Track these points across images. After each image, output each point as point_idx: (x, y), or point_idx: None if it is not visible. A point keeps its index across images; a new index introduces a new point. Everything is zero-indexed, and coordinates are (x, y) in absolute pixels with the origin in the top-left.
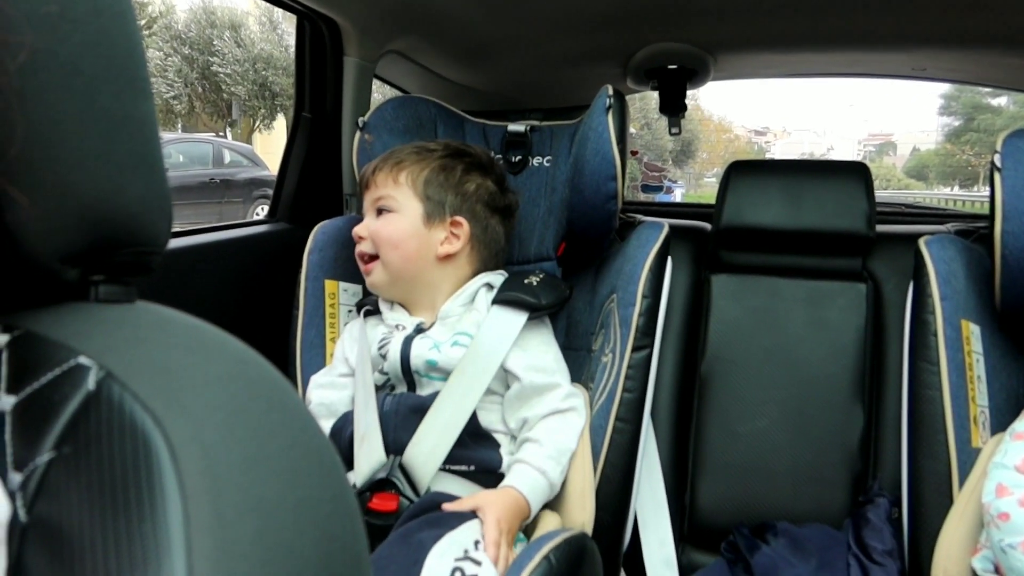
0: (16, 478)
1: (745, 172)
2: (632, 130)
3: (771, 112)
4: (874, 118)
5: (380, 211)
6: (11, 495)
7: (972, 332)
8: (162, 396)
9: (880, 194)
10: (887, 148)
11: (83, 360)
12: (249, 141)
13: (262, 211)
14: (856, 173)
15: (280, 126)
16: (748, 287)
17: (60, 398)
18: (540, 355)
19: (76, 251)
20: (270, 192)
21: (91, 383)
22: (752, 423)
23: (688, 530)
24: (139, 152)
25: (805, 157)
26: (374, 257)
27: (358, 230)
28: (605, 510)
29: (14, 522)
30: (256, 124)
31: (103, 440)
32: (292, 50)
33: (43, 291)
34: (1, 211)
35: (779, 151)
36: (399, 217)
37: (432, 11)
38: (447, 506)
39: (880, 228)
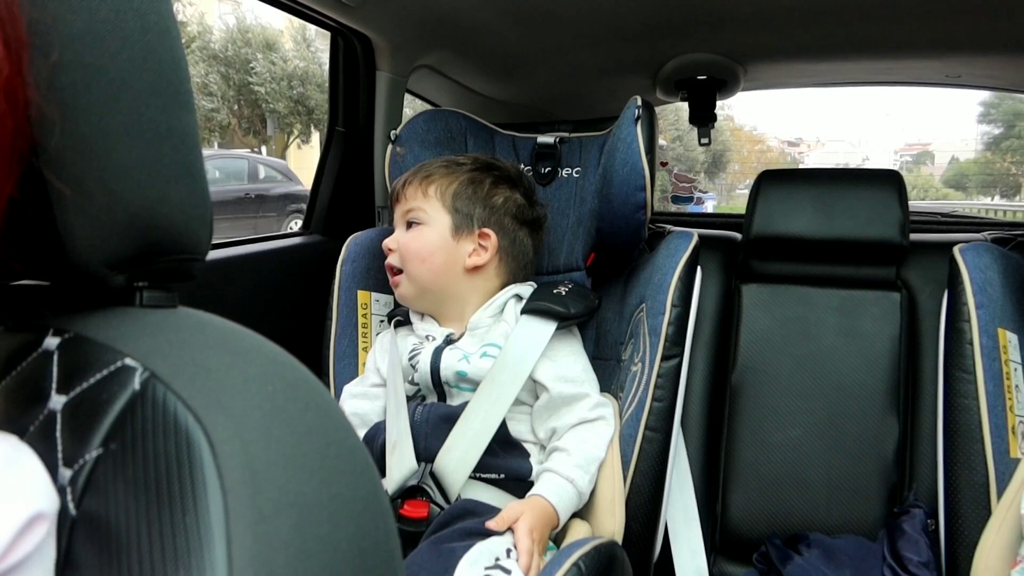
0: (66, 473)
1: (776, 181)
2: (663, 142)
3: (804, 122)
4: (911, 127)
5: (410, 224)
6: (61, 490)
7: (1009, 341)
8: (203, 395)
9: (917, 204)
10: (924, 158)
11: (129, 362)
12: (283, 157)
13: (295, 225)
14: (889, 181)
15: (316, 141)
16: (779, 296)
17: (107, 397)
18: (569, 365)
19: (123, 258)
20: (303, 207)
21: (136, 383)
22: (784, 433)
23: (720, 540)
24: (182, 163)
25: (840, 167)
26: (401, 269)
27: (388, 242)
28: (635, 519)
29: (63, 515)
30: (291, 140)
31: (148, 437)
32: (326, 66)
33: (91, 296)
34: (52, 217)
35: (813, 162)
36: (428, 229)
37: (463, 26)
38: (489, 524)
39: (914, 237)
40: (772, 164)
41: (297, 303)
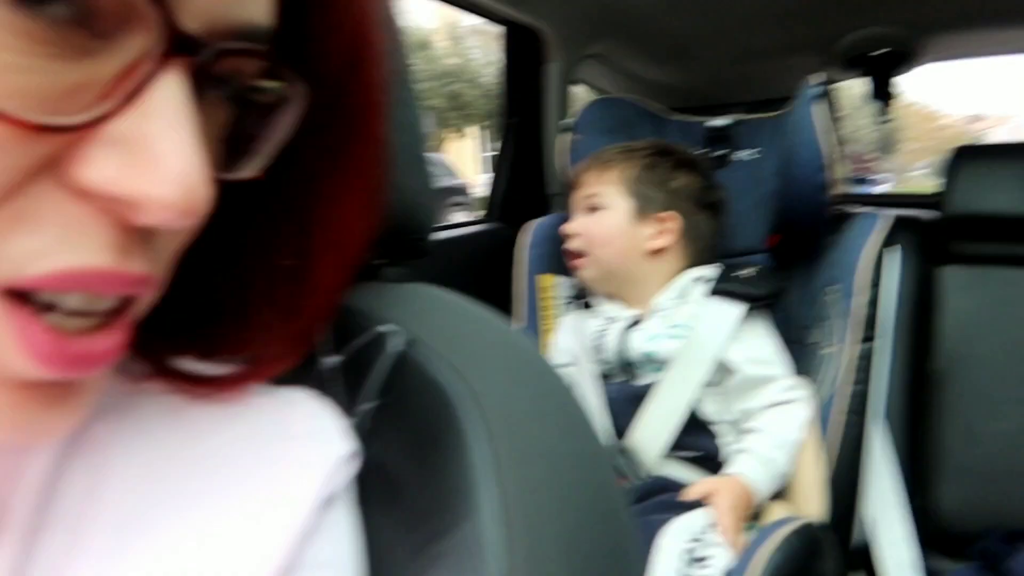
0: (349, 421)
1: (975, 157)
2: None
3: (986, 96)
4: None
5: (591, 209)
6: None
7: None
8: (459, 356)
9: None
10: None
11: (391, 327)
12: (440, 151)
13: (457, 217)
14: None
15: (469, 134)
16: (984, 278)
17: (376, 357)
18: (759, 347)
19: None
20: (462, 200)
21: (400, 344)
22: (997, 423)
23: (927, 534)
24: (414, 153)
25: None
26: (583, 253)
27: (570, 227)
28: (832, 504)
29: (349, 457)
30: (449, 135)
31: (416, 391)
32: (476, 63)
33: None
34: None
35: (998, 139)
36: (609, 214)
37: (631, 14)
38: (685, 493)
39: None
40: (951, 142)
41: (479, 286)
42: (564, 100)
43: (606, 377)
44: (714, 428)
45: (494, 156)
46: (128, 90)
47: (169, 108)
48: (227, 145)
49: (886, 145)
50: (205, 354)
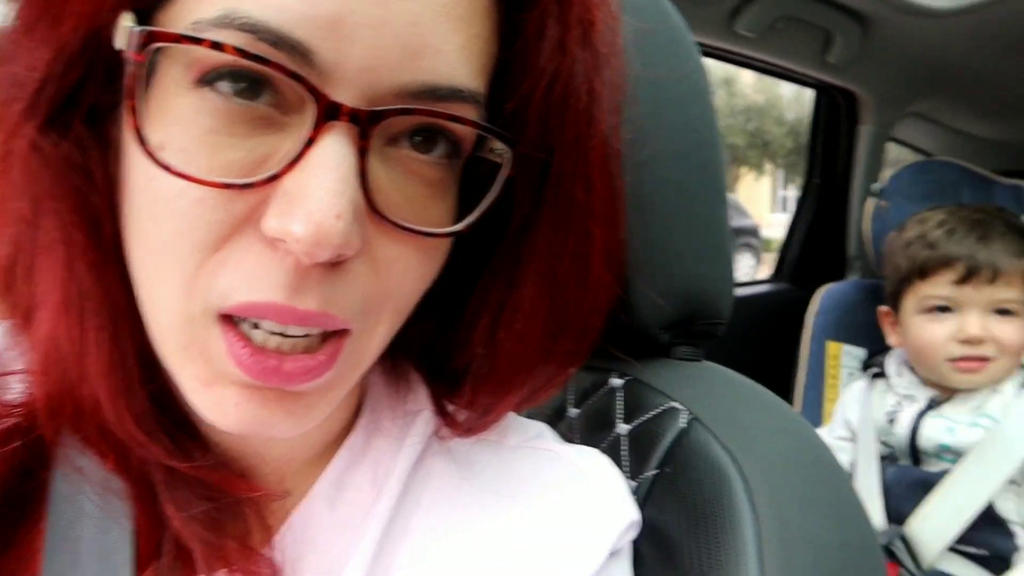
0: (632, 484)
1: None
2: None
3: None
4: None
5: (1002, 312)
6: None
7: None
8: (737, 441)
9: None
10: None
11: (676, 404)
12: (734, 191)
13: (747, 258)
14: None
15: (768, 173)
16: None
17: (661, 431)
18: None
19: (670, 321)
20: (753, 241)
21: (683, 422)
22: None
23: None
24: (718, 246)
25: None
26: (987, 359)
27: (975, 330)
28: None
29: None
30: (744, 174)
31: (692, 467)
32: (784, 99)
33: (642, 348)
34: (627, 293)
35: None
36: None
37: (957, 69)
38: None
39: None
40: None
41: (764, 349)
42: (877, 163)
43: (886, 458)
44: (1012, 527)
45: (793, 214)
46: (294, 153)
47: (320, 164)
48: (452, 202)
49: None
50: (468, 401)
